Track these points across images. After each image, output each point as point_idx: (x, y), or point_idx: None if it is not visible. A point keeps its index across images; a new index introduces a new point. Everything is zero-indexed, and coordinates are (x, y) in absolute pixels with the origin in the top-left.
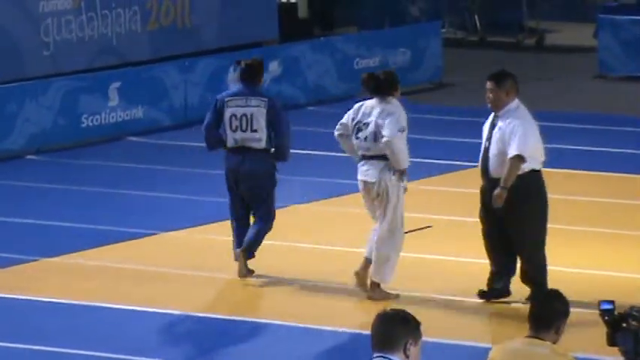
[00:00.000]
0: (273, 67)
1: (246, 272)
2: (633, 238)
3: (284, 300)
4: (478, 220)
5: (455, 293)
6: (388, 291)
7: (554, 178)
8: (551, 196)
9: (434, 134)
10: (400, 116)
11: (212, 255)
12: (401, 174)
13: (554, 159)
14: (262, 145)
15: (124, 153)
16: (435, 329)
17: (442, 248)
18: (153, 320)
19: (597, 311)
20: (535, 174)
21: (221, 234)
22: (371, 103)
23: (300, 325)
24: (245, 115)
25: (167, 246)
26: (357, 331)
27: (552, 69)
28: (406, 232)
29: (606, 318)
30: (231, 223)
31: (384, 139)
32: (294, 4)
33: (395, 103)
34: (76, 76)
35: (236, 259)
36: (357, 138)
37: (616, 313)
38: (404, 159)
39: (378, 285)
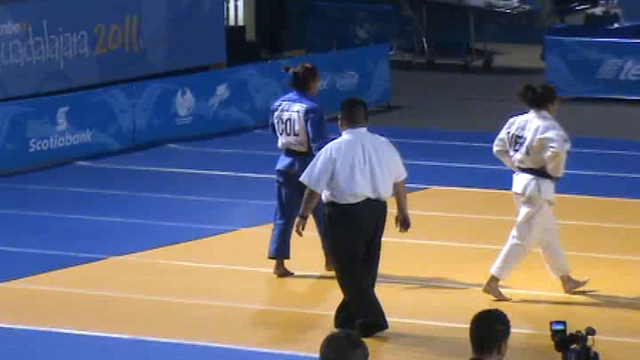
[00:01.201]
0: (221, 91)
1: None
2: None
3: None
4: (425, 242)
5: (405, 315)
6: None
7: (501, 200)
8: (499, 218)
9: None
10: (559, 128)
11: (161, 279)
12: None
13: (504, 180)
14: (303, 148)
15: (72, 177)
16: None
17: (391, 270)
18: (105, 344)
19: (548, 332)
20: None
21: (170, 258)
22: (525, 116)
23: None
24: (289, 119)
25: (117, 270)
26: None
27: (500, 91)
28: None
29: (557, 338)
30: (276, 224)
31: (553, 150)
32: (242, 27)
33: (550, 117)
34: (24, 101)
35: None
36: (516, 150)
37: (567, 333)
38: (562, 169)
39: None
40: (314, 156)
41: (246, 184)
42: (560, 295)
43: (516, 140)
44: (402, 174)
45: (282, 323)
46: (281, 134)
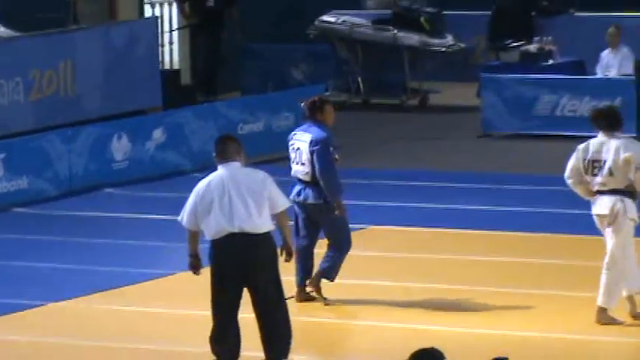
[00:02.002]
0: (157, 135)
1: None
2: (523, 296)
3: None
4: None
5: (343, 357)
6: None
7: (442, 238)
8: (438, 256)
9: None
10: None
11: (99, 324)
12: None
13: (443, 219)
14: (308, 177)
15: (10, 224)
16: None
17: (331, 311)
18: None
19: None
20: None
21: (107, 303)
22: (597, 140)
23: None
24: (299, 148)
25: (54, 316)
26: None
27: (437, 129)
28: (291, 297)
29: None
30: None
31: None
32: (177, 71)
33: (622, 136)
34: None
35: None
36: (595, 175)
37: None
38: None
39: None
40: (324, 187)
41: (183, 228)
42: (503, 332)
43: (594, 165)
44: (280, 206)
45: None
46: (292, 163)
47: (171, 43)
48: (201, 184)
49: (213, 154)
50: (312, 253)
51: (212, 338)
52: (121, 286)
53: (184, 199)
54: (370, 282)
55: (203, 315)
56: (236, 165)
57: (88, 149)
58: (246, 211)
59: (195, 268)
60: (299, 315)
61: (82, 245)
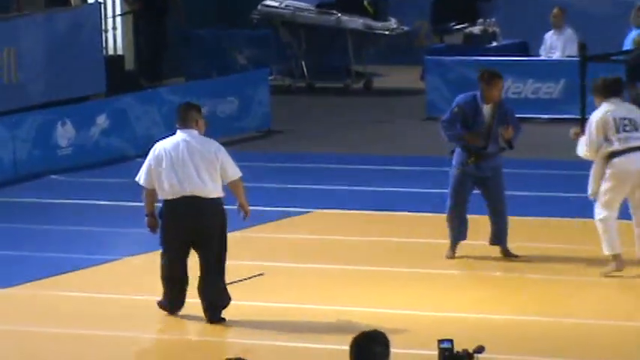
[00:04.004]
0: (101, 121)
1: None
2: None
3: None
4: (309, 265)
5: (291, 340)
6: None
7: (388, 221)
8: (385, 239)
9: (264, 182)
10: None
11: (46, 310)
12: None
13: (389, 202)
14: None
15: None
16: None
17: (275, 295)
18: None
19: (423, 352)
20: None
21: (54, 289)
22: (617, 104)
23: None
24: None
25: (1, 304)
26: None
27: (381, 113)
28: (238, 281)
29: (447, 354)
30: None
31: None
32: (121, 56)
33: None
34: None
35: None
36: (627, 131)
37: (455, 351)
38: None
39: None
40: None
41: (129, 213)
42: (450, 314)
43: (624, 123)
44: (231, 175)
45: (166, 350)
46: None
47: (114, 28)
48: (159, 146)
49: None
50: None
51: (164, 285)
52: (67, 272)
53: (129, 185)
54: (315, 265)
55: (150, 300)
56: (193, 133)
57: (33, 136)
58: (198, 177)
59: (152, 226)
60: (244, 300)
61: (28, 232)
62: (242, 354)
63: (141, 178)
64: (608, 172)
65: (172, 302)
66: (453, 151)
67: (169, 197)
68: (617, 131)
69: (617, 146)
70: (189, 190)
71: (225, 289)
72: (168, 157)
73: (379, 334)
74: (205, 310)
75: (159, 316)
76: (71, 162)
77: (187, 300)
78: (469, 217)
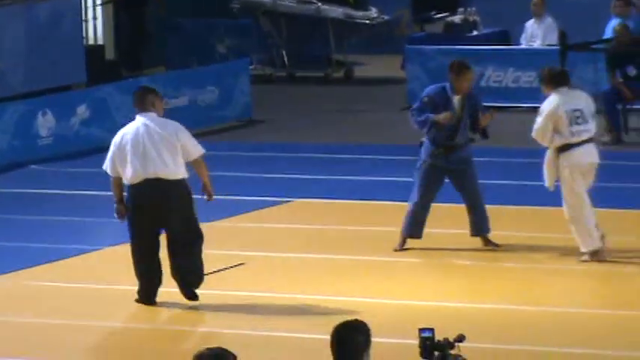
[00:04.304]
0: (82, 111)
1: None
2: (453, 266)
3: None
4: (290, 255)
5: (272, 329)
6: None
7: (369, 210)
8: (365, 228)
9: (245, 171)
10: None
11: (26, 300)
12: None
13: (369, 191)
14: None
15: None
16: None
17: (255, 285)
18: None
19: (404, 341)
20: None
21: (35, 279)
22: (569, 93)
23: None
24: None
25: None
26: None
27: (362, 102)
28: (218, 271)
29: (423, 345)
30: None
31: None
32: (101, 46)
33: None
34: None
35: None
36: (578, 124)
37: (436, 340)
38: None
39: None
40: None
41: (109, 203)
42: (430, 303)
43: (576, 115)
44: (193, 154)
45: (145, 341)
46: None
47: (95, 18)
48: (119, 134)
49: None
50: None
51: (137, 276)
52: (48, 262)
53: (109, 175)
54: (296, 255)
55: (130, 290)
56: (152, 115)
57: (13, 126)
58: (160, 159)
59: (121, 214)
60: (225, 289)
61: (8, 222)
62: (222, 344)
63: (107, 166)
64: (564, 164)
65: (148, 294)
66: (421, 143)
67: (134, 182)
68: (570, 124)
69: (571, 139)
70: (153, 173)
71: (199, 268)
72: (130, 143)
73: (360, 324)
74: (181, 288)
75: (140, 305)
76: (52, 152)
77: (169, 290)
78: (448, 205)
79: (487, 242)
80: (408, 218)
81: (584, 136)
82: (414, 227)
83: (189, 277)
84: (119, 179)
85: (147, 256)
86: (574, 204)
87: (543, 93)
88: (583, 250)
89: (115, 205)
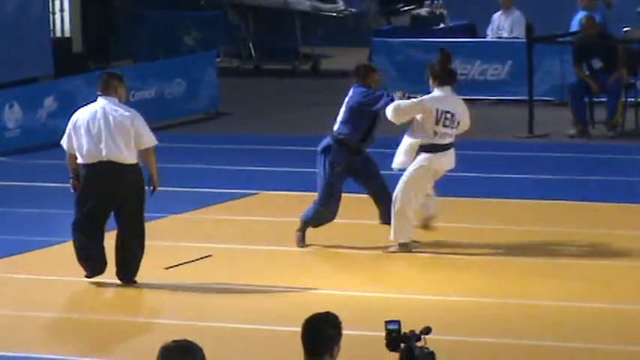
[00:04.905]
0: (49, 103)
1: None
2: (424, 259)
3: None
4: (257, 247)
5: (242, 321)
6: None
7: (346, 202)
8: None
9: (212, 164)
10: None
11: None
12: None
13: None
14: None
15: None
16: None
17: (222, 276)
18: None
19: (372, 333)
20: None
21: (2, 271)
22: (443, 93)
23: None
24: None
25: None
26: None
27: (329, 94)
28: (185, 263)
29: (389, 338)
30: None
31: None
32: (69, 38)
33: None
34: None
35: None
36: (446, 126)
37: (401, 333)
38: None
39: None
40: None
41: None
42: (398, 296)
43: (446, 117)
44: (145, 143)
45: (113, 333)
46: None
47: (62, 10)
48: (78, 113)
49: None
50: None
51: (77, 258)
52: (14, 254)
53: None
54: (264, 247)
55: (97, 282)
56: (112, 100)
57: None
58: (114, 143)
59: (76, 187)
60: (192, 281)
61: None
62: (188, 336)
63: (64, 142)
64: (424, 163)
65: (90, 267)
66: (326, 148)
67: (87, 162)
68: (437, 123)
69: (434, 139)
70: (105, 155)
71: (140, 254)
72: (86, 124)
73: (331, 316)
74: (118, 271)
75: (109, 297)
76: (19, 144)
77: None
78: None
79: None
80: (316, 216)
81: (447, 140)
82: (320, 222)
83: (131, 262)
84: (73, 155)
85: (89, 235)
86: (409, 199)
87: (429, 86)
88: (397, 239)
89: (70, 179)
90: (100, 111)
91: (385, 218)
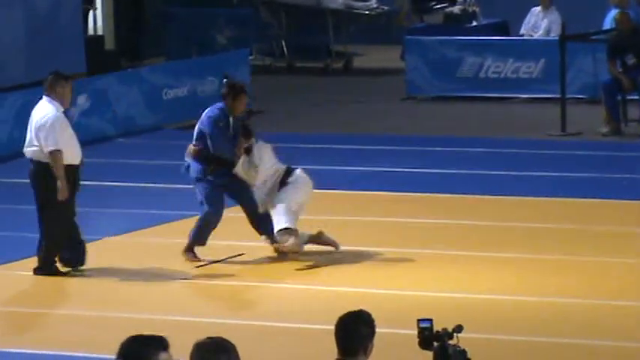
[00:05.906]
0: (82, 101)
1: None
2: (446, 257)
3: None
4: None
5: (274, 319)
6: None
7: (367, 201)
8: (365, 219)
9: None
10: None
11: (27, 290)
12: None
13: (368, 182)
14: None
15: None
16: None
17: (256, 275)
18: None
19: (405, 331)
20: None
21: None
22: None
23: None
24: None
25: None
26: None
27: (361, 92)
28: (219, 261)
29: (422, 336)
30: None
31: None
32: (101, 36)
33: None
34: None
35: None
36: None
37: (434, 331)
38: None
39: None
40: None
41: (109, 193)
42: (430, 294)
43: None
44: (45, 147)
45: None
46: None
47: (95, 8)
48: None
49: None
50: None
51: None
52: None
53: (109, 165)
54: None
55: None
56: (48, 99)
57: (13, 116)
58: (31, 140)
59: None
60: (224, 280)
61: (10, 211)
62: (222, 333)
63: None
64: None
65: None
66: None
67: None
68: None
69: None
70: (25, 151)
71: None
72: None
73: (365, 314)
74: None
75: (100, 294)
76: None
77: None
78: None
79: (272, 242)
80: (205, 229)
81: None
82: (204, 238)
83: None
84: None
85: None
86: (296, 211)
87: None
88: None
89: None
90: (33, 109)
91: (261, 232)
